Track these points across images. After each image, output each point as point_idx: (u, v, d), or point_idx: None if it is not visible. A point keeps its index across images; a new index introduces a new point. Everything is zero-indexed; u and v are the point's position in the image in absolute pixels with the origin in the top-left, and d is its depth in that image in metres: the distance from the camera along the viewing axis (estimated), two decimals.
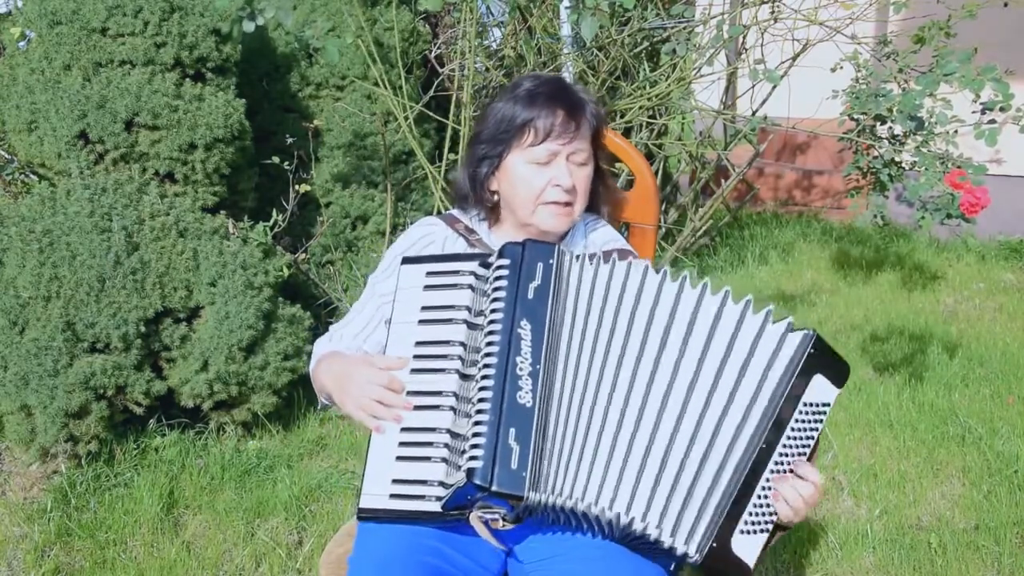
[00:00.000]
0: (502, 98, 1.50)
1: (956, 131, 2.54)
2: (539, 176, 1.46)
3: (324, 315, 3.18)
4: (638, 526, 1.23)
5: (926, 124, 2.48)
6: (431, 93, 3.35)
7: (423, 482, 1.27)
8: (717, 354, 1.26)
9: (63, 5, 2.69)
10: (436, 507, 1.26)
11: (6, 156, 3.15)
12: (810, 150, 5.47)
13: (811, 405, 1.27)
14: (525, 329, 1.27)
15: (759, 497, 1.26)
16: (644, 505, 1.24)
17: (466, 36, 3.12)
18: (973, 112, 2.51)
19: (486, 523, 1.28)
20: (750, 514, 1.25)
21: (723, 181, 4.17)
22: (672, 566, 1.34)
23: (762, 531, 1.27)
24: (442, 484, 1.25)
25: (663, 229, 3.97)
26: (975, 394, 3.09)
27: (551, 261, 1.30)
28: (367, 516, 1.31)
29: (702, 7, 3.51)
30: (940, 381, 3.17)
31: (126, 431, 2.71)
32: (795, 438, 1.27)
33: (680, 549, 1.24)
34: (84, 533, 2.35)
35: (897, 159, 2.86)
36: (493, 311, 1.29)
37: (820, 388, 1.27)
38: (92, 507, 2.46)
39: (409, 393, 1.32)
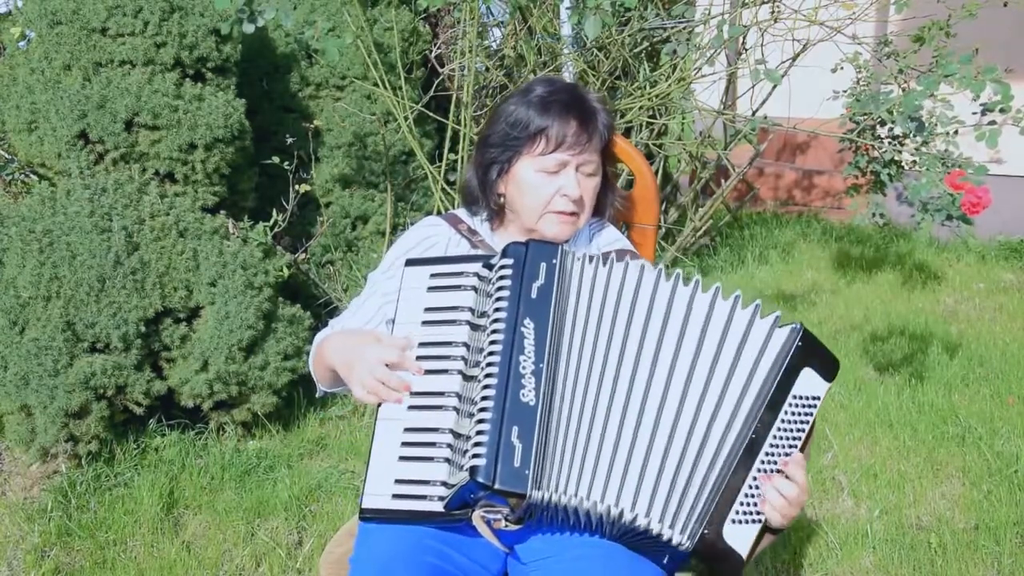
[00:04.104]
0: (514, 101, 1.49)
1: (956, 132, 2.54)
2: (547, 184, 1.46)
3: (324, 315, 3.18)
4: (628, 516, 1.24)
5: (927, 125, 2.48)
6: (431, 93, 3.35)
7: (425, 482, 1.27)
8: (710, 350, 1.28)
9: (63, 5, 2.69)
10: (439, 507, 1.26)
11: (6, 156, 3.15)
12: (810, 150, 5.47)
13: (800, 398, 1.29)
14: (528, 328, 1.27)
15: (750, 487, 1.27)
16: (632, 496, 1.24)
17: (466, 36, 3.12)
18: (974, 113, 2.51)
19: (488, 523, 1.28)
20: (741, 504, 1.26)
21: (723, 181, 4.17)
22: (670, 565, 1.34)
23: (754, 522, 1.27)
24: (444, 484, 1.25)
25: (663, 229, 3.97)
26: (975, 394, 3.09)
27: (554, 261, 1.30)
28: (370, 516, 1.31)
29: (702, 7, 3.51)
30: (940, 381, 3.17)
31: (126, 431, 2.71)
32: (785, 430, 1.28)
33: (667, 535, 1.24)
34: (84, 533, 2.35)
35: (897, 159, 2.87)
36: (496, 310, 1.29)
37: (809, 381, 1.29)
38: (92, 507, 2.46)
39: (412, 394, 1.32)
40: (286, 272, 2.96)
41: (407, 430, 1.31)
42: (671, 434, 1.26)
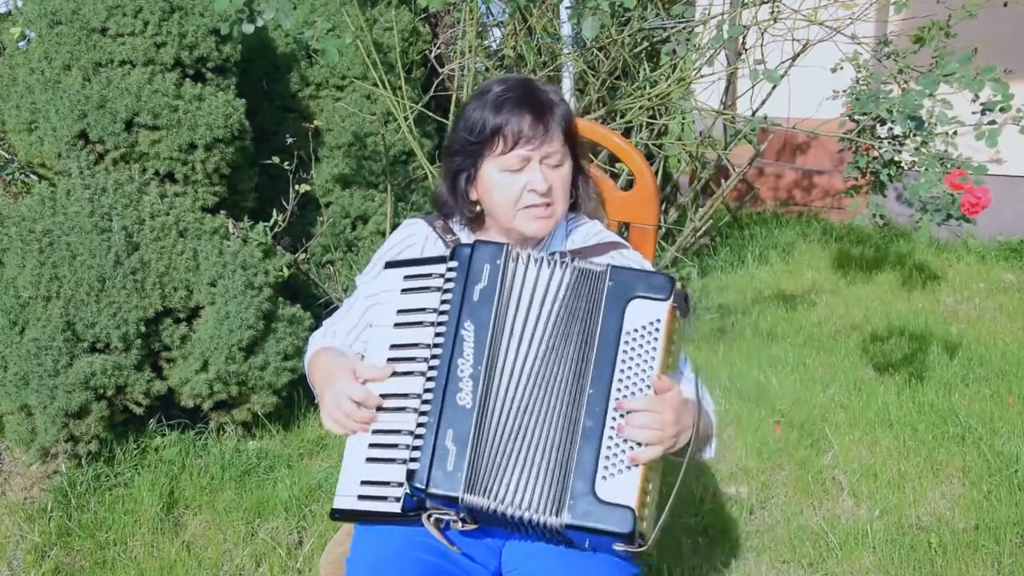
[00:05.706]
0: (471, 105, 1.49)
1: (956, 132, 2.54)
2: (515, 182, 1.46)
3: (324, 315, 3.17)
4: (542, 518, 1.23)
5: (926, 124, 2.48)
6: (431, 93, 3.35)
7: (386, 483, 1.29)
8: (562, 329, 1.29)
9: (63, 5, 2.69)
10: (396, 508, 1.28)
11: (6, 156, 3.15)
12: (810, 150, 5.47)
13: (636, 332, 1.27)
14: (468, 331, 1.28)
15: (610, 439, 1.24)
16: (535, 500, 1.24)
17: (466, 36, 3.12)
18: (973, 112, 2.51)
19: (446, 524, 1.28)
20: (607, 459, 1.23)
21: (723, 181, 4.17)
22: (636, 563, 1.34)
23: (628, 468, 1.24)
24: (401, 485, 1.27)
25: (663, 229, 3.97)
26: (975, 394, 3.09)
27: (498, 262, 1.31)
28: (339, 517, 1.34)
29: (702, 7, 3.51)
30: (940, 381, 3.16)
31: (126, 431, 2.72)
32: (630, 369, 1.26)
33: (551, 521, 1.22)
34: (84, 533, 2.35)
35: (897, 159, 2.87)
36: (442, 313, 1.30)
37: (640, 311, 1.28)
38: (92, 507, 2.46)
39: (381, 396, 1.34)
40: (286, 272, 2.96)
41: (375, 432, 1.33)
42: (552, 429, 1.26)
